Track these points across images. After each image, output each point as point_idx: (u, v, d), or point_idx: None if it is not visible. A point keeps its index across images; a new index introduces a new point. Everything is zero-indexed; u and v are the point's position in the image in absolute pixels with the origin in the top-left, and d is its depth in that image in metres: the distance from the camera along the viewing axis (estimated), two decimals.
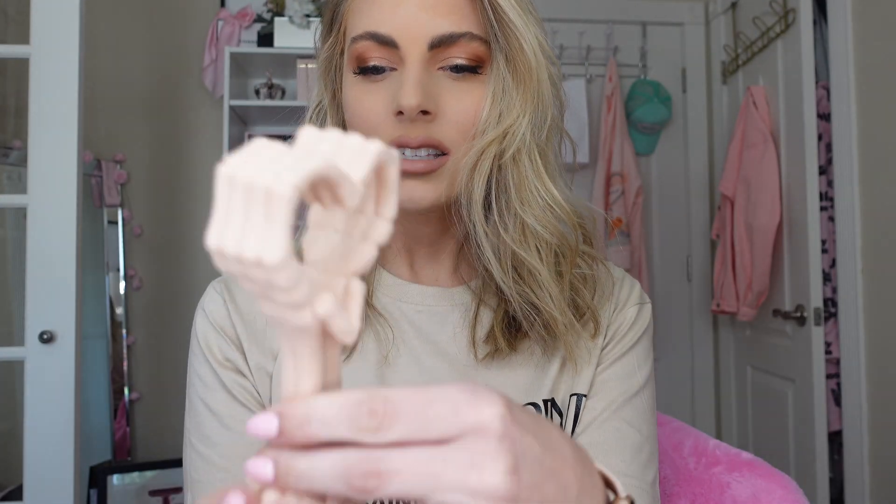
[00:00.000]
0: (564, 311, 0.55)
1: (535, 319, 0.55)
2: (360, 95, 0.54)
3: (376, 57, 0.53)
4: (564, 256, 0.56)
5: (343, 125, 0.59)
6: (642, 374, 0.61)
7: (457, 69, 0.53)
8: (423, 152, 0.52)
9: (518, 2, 0.53)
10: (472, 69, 0.53)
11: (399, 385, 0.58)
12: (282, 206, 0.23)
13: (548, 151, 0.56)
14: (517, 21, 0.52)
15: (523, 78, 0.53)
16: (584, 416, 0.59)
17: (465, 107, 0.53)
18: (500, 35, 0.52)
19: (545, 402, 0.58)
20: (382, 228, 0.29)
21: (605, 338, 0.61)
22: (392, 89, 0.52)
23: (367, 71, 0.54)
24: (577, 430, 0.59)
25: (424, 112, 0.51)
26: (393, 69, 0.53)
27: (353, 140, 0.27)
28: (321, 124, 0.61)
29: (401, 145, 0.52)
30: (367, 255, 0.29)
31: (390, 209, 0.29)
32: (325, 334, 0.27)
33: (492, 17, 0.52)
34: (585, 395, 0.59)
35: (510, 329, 0.58)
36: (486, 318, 0.59)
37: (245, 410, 0.57)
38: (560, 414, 0.59)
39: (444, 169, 0.53)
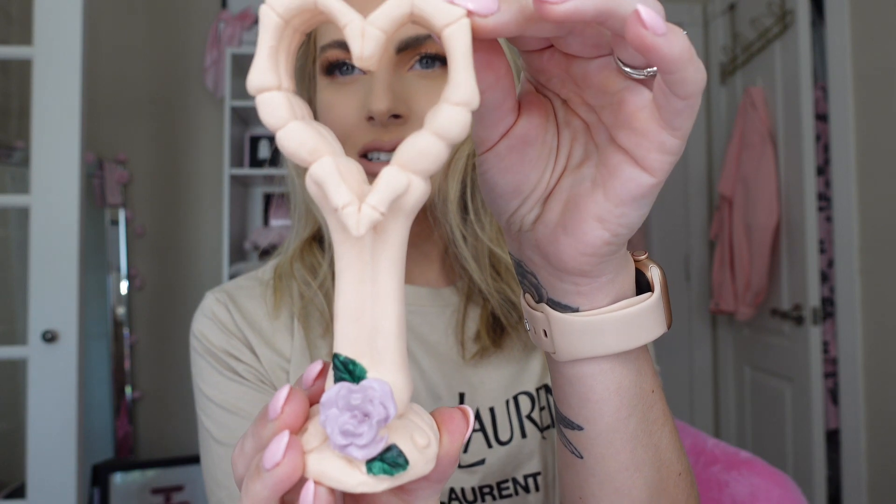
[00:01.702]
0: None
1: (512, 315, 0.56)
2: (332, 101, 0.54)
3: (346, 61, 0.53)
4: None
5: None
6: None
7: (427, 62, 0.52)
8: None
9: None
10: (442, 60, 0.52)
11: None
12: (264, 31, 0.23)
13: None
14: None
15: None
16: None
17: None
18: None
19: (538, 389, 0.59)
20: (447, 114, 0.23)
21: None
22: (363, 94, 0.52)
23: (334, 69, 0.53)
24: None
25: (396, 116, 0.51)
26: (362, 73, 0.53)
27: None
28: None
29: (374, 149, 0.52)
30: (428, 145, 0.24)
31: (458, 91, 0.23)
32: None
33: None
34: None
35: (494, 328, 0.59)
36: (474, 317, 0.60)
37: (266, 392, 0.56)
38: None
39: None
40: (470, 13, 0.23)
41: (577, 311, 0.33)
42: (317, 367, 0.28)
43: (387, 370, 0.24)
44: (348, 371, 0.24)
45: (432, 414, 0.27)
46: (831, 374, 1.94)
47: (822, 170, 1.98)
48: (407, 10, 0.24)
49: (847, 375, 1.84)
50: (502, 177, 0.31)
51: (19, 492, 1.58)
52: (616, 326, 0.33)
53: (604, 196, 0.29)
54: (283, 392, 0.25)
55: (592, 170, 0.30)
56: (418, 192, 0.24)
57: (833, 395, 1.94)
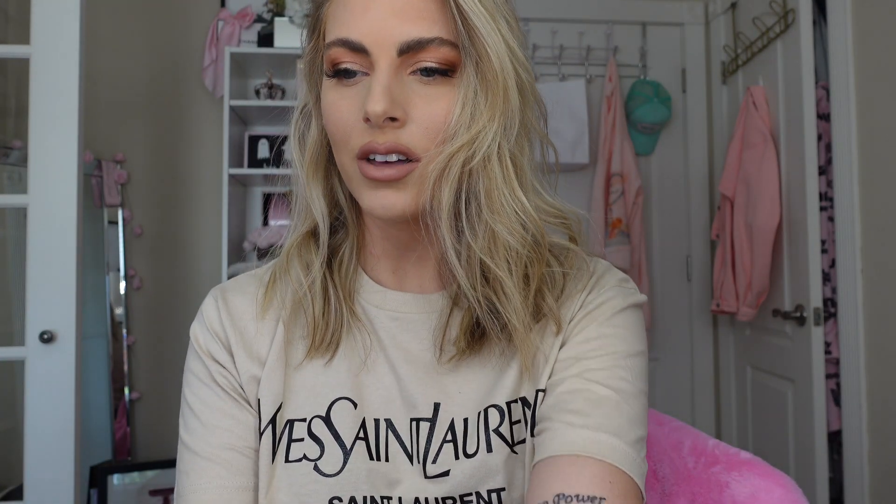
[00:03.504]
0: (524, 322, 0.55)
1: (495, 323, 0.56)
2: (335, 101, 0.55)
3: (348, 62, 0.53)
4: (533, 266, 0.56)
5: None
6: (629, 344, 0.58)
7: (426, 72, 0.52)
8: (393, 157, 0.53)
9: (486, 7, 0.52)
10: (442, 72, 0.53)
11: (374, 390, 0.59)
12: None
13: (520, 159, 0.56)
14: (482, 28, 0.52)
15: (491, 84, 0.52)
16: (554, 381, 0.57)
17: (434, 112, 0.52)
18: (468, 41, 0.52)
19: (508, 403, 0.58)
20: None
21: (570, 322, 0.59)
22: (363, 95, 0.52)
23: (339, 73, 0.54)
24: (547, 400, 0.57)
25: (392, 119, 0.51)
26: (366, 74, 0.53)
27: None
28: (307, 126, 0.62)
29: (370, 152, 0.52)
30: None
31: None
32: None
33: (460, 23, 0.52)
34: (544, 390, 0.58)
35: (474, 332, 0.58)
36: (458, 321, 0.60)
37: (232, 402, 0.60)
38: (530, 407, 0.59)
39: (413, 175, 0.53)
40: None
41: None
42: None
43: None
44: None
45: None
46: (833, 375, 1.93)
47: (824, 169, 1.98)
48: None
49: (849, 376, 1.83)
50: None
51: (17, 493, 1.57)
52: None
53: None
54: None
55: None
56: None
57: (835, 397, 1.93)
